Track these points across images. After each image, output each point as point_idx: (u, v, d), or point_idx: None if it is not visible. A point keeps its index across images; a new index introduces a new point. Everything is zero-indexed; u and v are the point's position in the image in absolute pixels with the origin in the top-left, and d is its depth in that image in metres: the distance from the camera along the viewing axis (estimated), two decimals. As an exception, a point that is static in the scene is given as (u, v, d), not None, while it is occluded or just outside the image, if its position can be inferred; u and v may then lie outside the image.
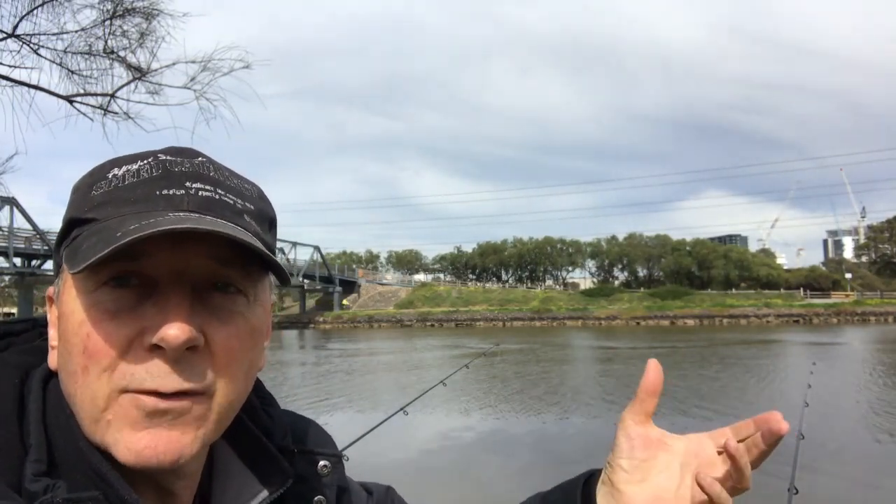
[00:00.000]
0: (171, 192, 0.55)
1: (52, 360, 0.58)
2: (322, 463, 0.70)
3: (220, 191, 0.58)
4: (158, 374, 0.52)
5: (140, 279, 0.54)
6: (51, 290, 0.61)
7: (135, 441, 0.51)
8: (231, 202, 0.58)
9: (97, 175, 0.58)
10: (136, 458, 0.51)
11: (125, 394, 0.52)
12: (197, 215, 0.55)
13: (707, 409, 11.86)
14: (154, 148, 0.61)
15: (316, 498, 0.68)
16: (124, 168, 0.57)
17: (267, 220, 0.63)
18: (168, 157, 0.58)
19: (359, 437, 3.27)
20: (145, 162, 0.58)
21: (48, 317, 0.61)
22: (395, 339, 39.32)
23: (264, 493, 0.64)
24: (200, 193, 0.56)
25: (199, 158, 0.60)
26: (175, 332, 0.51)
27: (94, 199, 0.56)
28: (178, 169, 0.57)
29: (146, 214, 0.53)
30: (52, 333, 0.59)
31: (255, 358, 0.60)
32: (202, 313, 0.54)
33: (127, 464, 0.52)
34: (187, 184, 0.56)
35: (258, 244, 0.54)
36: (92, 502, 0.50)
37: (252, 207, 0.60)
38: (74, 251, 0.54)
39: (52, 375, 0.58)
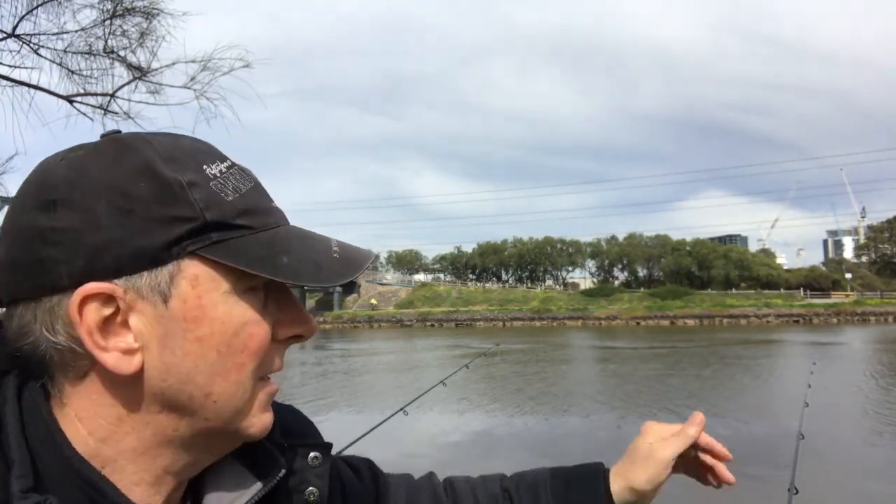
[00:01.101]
0: (272, 204, 0.62)
1: (130, 365, 0.52)
2: (313, 454, 0.68)
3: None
4: (281, 359, 0.61)
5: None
6: (116, 289, 0.52)
7: (265, 420, 0.60)
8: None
9: (190, 169, 0.55)
10: (263, 432, 0.60)
11: (260, 381, 0.59)
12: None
13: (706, 409, 11.85)
14: None
15: (308, 489, 0.67)
16: (217, 166, 0.58)
17: None
18: (237, 163, 0.61)
19: (359, 437, 3.27)
20: (226, 165, 0.59)
21: (91, 317, 0.51)
22: (395, 339, 39.31)
23: (257, 486, 0.63)
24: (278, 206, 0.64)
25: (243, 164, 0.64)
26: (314, 324, 0.62)
27: (233, 204, 0.56)
28: (254, 180, 0.61)
29: (311, 234, 0.62)
30: (127, 337, 0.53)
31: None
32: None
33: (253, 438, 0.60)
34: (270, 197, 0.63)
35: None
36: None
37: None
38: (271, 261, 0.55)
39: (25, 383, 0.54)
